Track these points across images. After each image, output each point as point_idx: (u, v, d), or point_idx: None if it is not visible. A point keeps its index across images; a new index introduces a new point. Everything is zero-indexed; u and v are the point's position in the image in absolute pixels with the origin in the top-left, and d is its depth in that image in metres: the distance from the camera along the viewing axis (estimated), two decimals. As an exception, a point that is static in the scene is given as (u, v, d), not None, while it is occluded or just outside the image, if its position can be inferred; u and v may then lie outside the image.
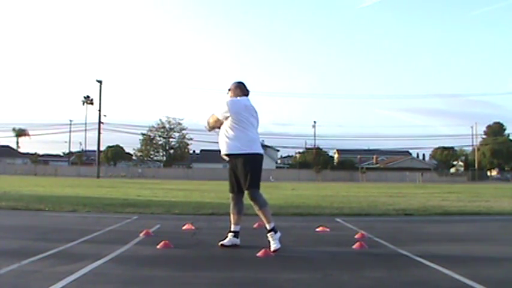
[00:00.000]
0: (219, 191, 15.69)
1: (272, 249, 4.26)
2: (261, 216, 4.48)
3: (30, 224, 6.39)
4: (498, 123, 75.86)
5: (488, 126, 75.46)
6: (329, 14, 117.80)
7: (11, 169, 56.94)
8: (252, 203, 4.48)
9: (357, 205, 10.12)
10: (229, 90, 4.75)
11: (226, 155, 4.59)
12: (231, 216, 4.66)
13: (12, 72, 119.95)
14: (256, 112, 4.65)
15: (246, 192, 4.50)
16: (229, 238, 4.58)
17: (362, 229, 5.79)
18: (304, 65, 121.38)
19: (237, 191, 4.60)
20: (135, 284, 3.11)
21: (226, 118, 4.53)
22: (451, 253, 4.39)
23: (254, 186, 4.46)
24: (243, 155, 4.45)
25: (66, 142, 75.46)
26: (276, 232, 4.39)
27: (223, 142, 4.57)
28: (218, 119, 4.62)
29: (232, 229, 4.62)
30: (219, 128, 4.70)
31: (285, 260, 3.98)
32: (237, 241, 4.58)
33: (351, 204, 10.51)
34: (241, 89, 4.72)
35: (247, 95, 4.73)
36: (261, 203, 4.46)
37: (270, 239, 4.38)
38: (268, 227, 4.43)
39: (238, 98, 4.64)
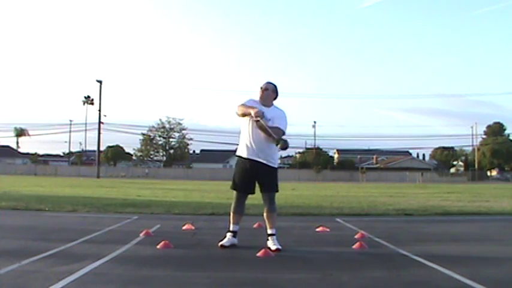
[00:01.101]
0: (219, 191, 15.69)
1: (273, 248, 4.29)
2: (269, 219, 4.52)
3: (30, 224, 6.39)
4: (498, 123, 75.75)
5: (488, 126, 75.34)
6: (329, 14, 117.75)
7: (11, 169, 56.94)
8: (267, 204, 4.54)
9: (356, 205, 10.12)
10: (266, 89, 4.54)
11: (261, 162, 4.45)
12: (232, 215, 4.62)
13: (12, 72, 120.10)
14: None
15: (267, 194, 4.53)
16: (229, 238, 4.57)
17: (362, 229, 5.79)
18: (304, 65, 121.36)
19: (245, 191, 4.59)
20: (135, 284, 3.11)
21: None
22: (451, 253, 4.39)
23: (277, 190, 4.61)
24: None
25: (66, 142, 75.21)
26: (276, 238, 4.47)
27: (267, 148, 4.44)
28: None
29: (231, 229, 4.61)
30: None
31: (285, 260, 3.98)
32: (235, 241, 4.58)
33: (351, 204, 10.52)
34: (277, 95, 4.67)
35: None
36: (275, 207, 4.58)
37: (271, 241, 4.42)
38: (270, 231, 4.49)
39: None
